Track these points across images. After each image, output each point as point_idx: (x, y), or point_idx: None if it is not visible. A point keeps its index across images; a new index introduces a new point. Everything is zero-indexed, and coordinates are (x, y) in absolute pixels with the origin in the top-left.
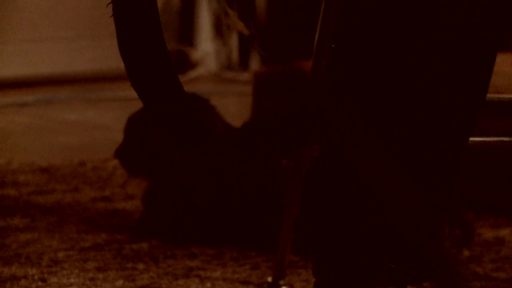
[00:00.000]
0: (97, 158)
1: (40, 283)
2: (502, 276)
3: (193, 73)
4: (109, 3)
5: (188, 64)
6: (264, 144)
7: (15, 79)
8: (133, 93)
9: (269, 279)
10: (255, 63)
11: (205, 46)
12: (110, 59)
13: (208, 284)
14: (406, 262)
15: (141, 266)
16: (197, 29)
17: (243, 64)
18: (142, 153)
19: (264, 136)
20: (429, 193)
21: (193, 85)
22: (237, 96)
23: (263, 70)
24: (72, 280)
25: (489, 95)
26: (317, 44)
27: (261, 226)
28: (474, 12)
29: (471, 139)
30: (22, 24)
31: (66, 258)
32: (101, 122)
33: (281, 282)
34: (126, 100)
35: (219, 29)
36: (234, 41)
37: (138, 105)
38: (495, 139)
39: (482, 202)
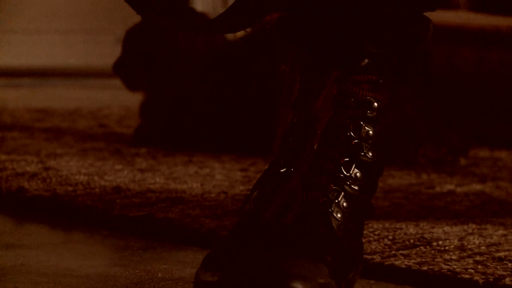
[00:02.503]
0: (93, 106)
1: (39, 165)
2: (499, 175)
3: None
4: None
5: None
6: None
7: (8, 69)
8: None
9: None
10: None
11: None
12: (103, 55)
13: (207, 170)
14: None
15: (140, 159)
16: None
17: None
18: (140, 66)
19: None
20: None
21: None
22: None
23: None
24: (71, 164)
25: None
26: None
27: (258, 133)
28: None
29: None
30: (20, 15)
31: (64, 153)
32: (95, 97)
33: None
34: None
35: None
36: None
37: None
38: None
39: (479, 132)
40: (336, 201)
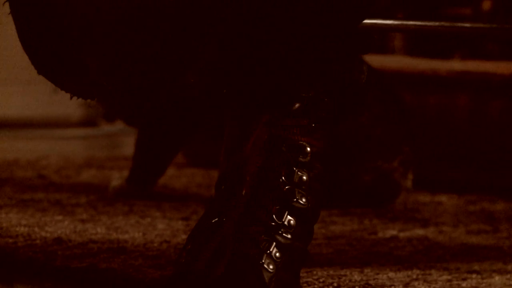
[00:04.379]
0: (31, 156)
1: None
2: (441, 220)
3: None
4: None
5: None
6: None
7: None
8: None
9: None
10: None
11: None
12: (40, 105)
13: (148, 219)
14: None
15: (80, 209)
16: None
17: None
18: None
19: None
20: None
21: None
22: None
23: None
24: (11, 215)
25: None
26: None
27: None
28: None
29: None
30: None
31: (4, 205)
32: (33, 148)
33: None
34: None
35: None
36: None
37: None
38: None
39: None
40: (268, 251)
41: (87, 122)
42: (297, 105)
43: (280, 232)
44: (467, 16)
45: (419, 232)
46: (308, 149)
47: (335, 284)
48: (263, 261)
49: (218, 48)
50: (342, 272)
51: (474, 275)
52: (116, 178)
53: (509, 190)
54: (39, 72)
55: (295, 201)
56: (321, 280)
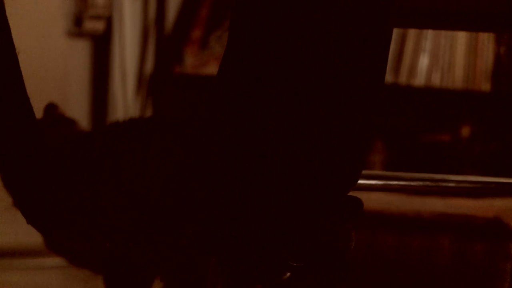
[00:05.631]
0: None
1: None
2: None
3: None
4: None
5: None
6: None
7: None
8: None
9: None
10: None
11: None
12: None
13: None
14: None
15: None
16: None
17: None
18: None
19: None
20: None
21: None
22: None
23: None
24: None
25: None
26: None
27: None
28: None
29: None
30: None
31: None
32: None
33: None
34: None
35: None
36: None
37: None
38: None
39: None
40: None
41: None
42: (288, 274)
43: None
44: (446, 142)
45: None
46: None
47: None
48: None
49: (206, 223)
50: None
51: None
52: None
53: None
54: (28, 223)
55: None
56: None
